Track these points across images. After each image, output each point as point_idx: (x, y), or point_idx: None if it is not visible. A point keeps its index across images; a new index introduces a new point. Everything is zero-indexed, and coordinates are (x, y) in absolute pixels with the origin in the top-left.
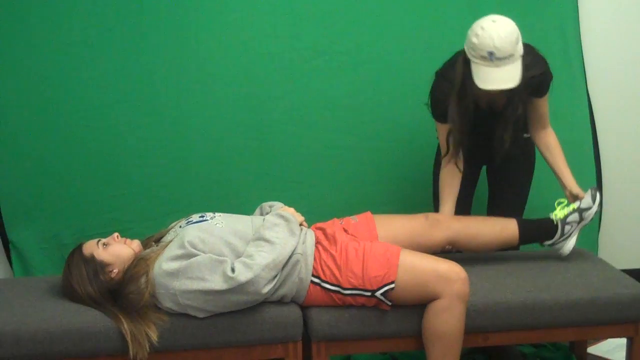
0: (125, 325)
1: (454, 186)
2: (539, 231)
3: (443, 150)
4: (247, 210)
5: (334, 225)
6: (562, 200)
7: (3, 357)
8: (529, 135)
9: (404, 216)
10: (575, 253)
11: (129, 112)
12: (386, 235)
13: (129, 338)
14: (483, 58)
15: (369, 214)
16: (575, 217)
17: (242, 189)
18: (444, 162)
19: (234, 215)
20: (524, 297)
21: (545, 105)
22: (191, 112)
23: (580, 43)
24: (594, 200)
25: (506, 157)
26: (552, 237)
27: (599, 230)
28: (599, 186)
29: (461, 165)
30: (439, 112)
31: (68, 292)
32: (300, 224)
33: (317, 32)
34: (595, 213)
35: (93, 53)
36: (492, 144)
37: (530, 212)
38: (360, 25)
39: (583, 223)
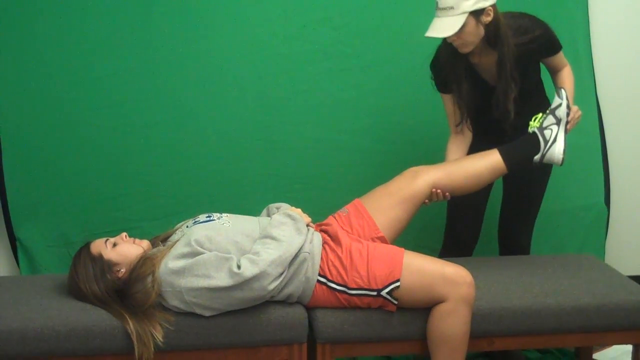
0: (131, 325)
1: (460, 153)
2: (522, 146)
3: (450, 122)
4: (254, 212)
5: (334, 225)
6: (536, 116)
7: (9, 354)
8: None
9: (385, 185)
10: (582, 259)
11: (137, 111)
12: (379, 210)
13: (134, 338)
14: (436, 9)
15: (357, 201)
16: (550, 119)
17: (249, 190)
18: (451, 134)
19: (241, 215)
20: (530, 302)
21: (559, 59)
22: (200, 112)
23: (590, 48)
24: (560, 97)
25: (513, 129)
26: (538, 150)
27: (606, 237)
28: (607, 191)
29: (467, 131)
30: (439, 81)
31: (74, 290)
32: (308, 225)
33: (327, 34)
34: (567, 107)
35: (102, 52)
36: (495, 118)
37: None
38: (370, 28)
39: (562, 123)
